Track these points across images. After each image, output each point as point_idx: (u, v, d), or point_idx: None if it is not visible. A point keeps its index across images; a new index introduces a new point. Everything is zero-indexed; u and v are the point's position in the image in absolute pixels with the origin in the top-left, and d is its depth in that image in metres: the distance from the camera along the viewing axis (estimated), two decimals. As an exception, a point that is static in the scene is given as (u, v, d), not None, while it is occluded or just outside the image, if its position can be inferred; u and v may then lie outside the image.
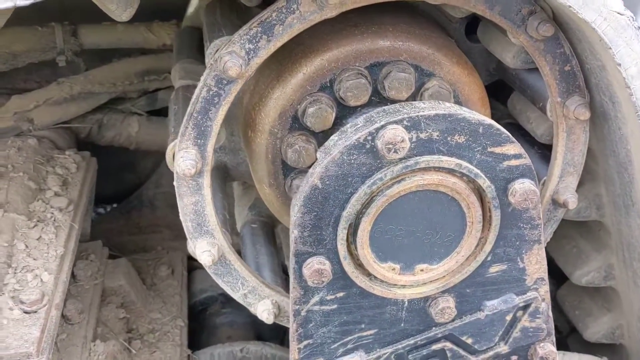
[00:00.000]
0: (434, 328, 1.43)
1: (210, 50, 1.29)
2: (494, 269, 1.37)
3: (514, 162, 1.23)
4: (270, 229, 1.91)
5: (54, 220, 1.74)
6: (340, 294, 1.33)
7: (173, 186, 2.68)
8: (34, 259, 1.59)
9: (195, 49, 1.87)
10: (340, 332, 1.39)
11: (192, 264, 2.73)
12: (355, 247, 1.27)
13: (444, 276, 1.35)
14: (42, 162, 1.95)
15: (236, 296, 1.57)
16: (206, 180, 1.40)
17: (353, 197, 1.21)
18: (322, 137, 1.49)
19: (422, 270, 1.33)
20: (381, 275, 1.31)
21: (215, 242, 1.48)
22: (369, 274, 1.32)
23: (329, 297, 1.33)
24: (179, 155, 1.34)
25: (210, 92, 1.30)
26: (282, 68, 1.47)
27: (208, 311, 2.66)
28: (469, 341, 1.46)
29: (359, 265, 1.31)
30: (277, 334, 2.77)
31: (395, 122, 1.15)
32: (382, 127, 1.15)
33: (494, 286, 1.39)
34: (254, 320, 2.66)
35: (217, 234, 1.48)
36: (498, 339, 1.47)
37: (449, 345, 1.46)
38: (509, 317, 1.44)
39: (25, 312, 1.43)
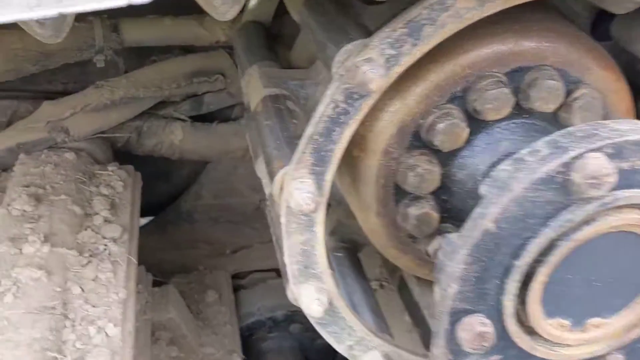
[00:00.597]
0: (596, 391, 1.19)
1: (339, 57, 1.02)
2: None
3: None
4: (356, 257, 1.65)
5: (109, 253, 1.46)
6: (496, 358, 1.08)
7: (215, 197, 2.43)
8: (93, 306, 1.31)
9: (264, 48, 1.59)
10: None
11: (235, 284, 2.47)
12: (524, 302, 1.02)
13: (620, 331, 1.10)
14: (84, 181, 1.67)
15: (340, 348, 1.31)
16: (320, 216, 1.13)
17: (531, 243, 0.95)
18: (445, 157, 1.24)
19: (594, 325, 1.08)
20: (547, 333, 1.06)
21: (324, 287, 1.22)
22: (531, 333, 1.07)
23: (480, 361, 1.08)
24: (293, 187, 1.07)
25: (337, 110, 1.03)
26: (403, 75, 1.20)
27: (254, 336, 2.41)
28: (633, 402, 1.22)
29: (522, 323, 1.05)
30: (326, 357, 2.54)
31: (596, 150, 0.90)
32: (580, 155, 0.89)
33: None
34: (301, 344, 2.42)
35: (326, 276, 1.22)
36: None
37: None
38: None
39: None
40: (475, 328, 1.00)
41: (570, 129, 0.97)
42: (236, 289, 2.40)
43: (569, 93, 1.21)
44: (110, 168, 1.78)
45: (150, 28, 1.84)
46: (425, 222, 1.27)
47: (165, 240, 2.41)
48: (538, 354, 1.09)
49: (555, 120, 1.24)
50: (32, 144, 1.76)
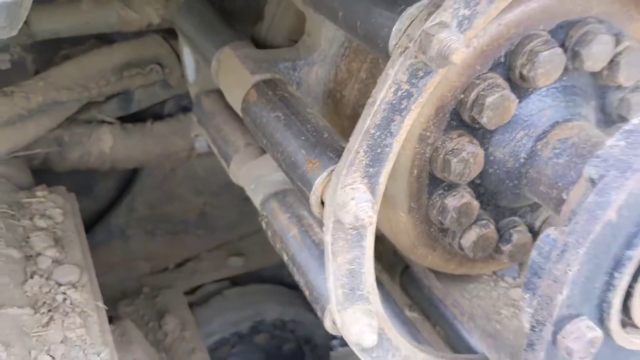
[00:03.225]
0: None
1: (400, 24, 0.80)
2: None
3: None
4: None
5: (71, 303, 1.16)
6: None
7: (151, 208, 2.12)
8: None
9: (226, 26, 1.32)
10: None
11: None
12: (629, 297, 0.88)
13: None
14: (12, 215, 1.32)
15: (383, 365, 1.11)
16: (371, 228, 0.92)
17: (647, 228, 0.81)
18: (484, 135, 1.07)
19: (683, 307, 0.97)
20: (644, 323, 0.93)
21: (371, 309, 1.01)
22: (626, 325, 0.94)
23: (575, 368, 0.93)
24: (347, 197, 0.84)
25: (399, 93, 0.81)
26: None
27: (216, 354, 2.16)
28: None
29: (623, 320, 0.91)
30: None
31: None
32: None
33: None
34: (267, 355, 2.22)
35: (374, 297, 1.01)
36: None
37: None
38: None
39: None
40: (585, 335, 0.85)
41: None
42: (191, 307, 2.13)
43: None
44: (39, 193, 1.43)
45: (64, 15, 1.48)
46: (466, 213, 1.09)
47: (96, 264, 2.07)
48: (632, 347, 0.96)
49: (595, 80, 1.11)
50: None
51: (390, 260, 1.55)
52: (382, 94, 0.80)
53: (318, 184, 0.90)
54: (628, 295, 0.89)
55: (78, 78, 1.56)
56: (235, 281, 2.25)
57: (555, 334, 0.87)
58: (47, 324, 1.10)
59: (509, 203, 1.18)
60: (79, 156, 1.70)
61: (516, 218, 1.23)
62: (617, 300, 0.87)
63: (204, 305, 2.15)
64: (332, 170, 0.89)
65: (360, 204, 0.85)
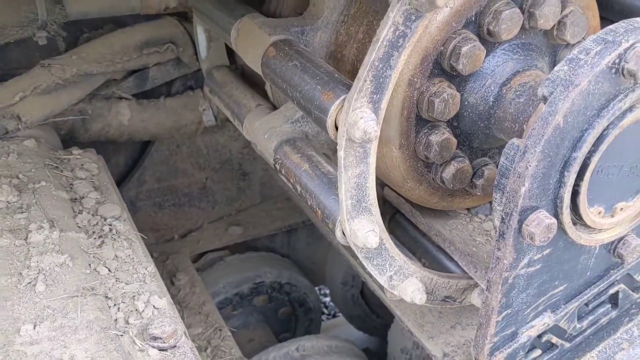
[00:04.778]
0: (612, 272, 1.34)
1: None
2: (673, 196, 1.30)
3: None
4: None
5: (117, 232, 1.36)
6: (547, 251, 1.19)
7: (159, 181, 2.32)
8: (127, 284, 1.23)
9: (240, 4, 1.55)
10: (536, 295, 1.24)
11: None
12: (577, 193, 1.13)
13: (638, 213, 1.25)
14: (55, 167, 1.52)
15: (382, 279, 1.34)
16: (374, 146, 1.16)
17: (589, 134, 1.06)
18: (460, 82, 1.32)
19: (620, 209, 1.23)
20: (590, 221, 1.18)
21: (374, 219, 1.24)
22: (576, 223, 1.19)
23: (536, 257, 1.18)
24: (357, 116, 1.08)
25: (397, 33, 1.06)
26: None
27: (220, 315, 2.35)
28: (638, 278, 1.40)
29: (573, 214, 1.16)
30: (288, 326, 2.57)
31: (640, 41, 1.02)
32: (632, 46, 1.01)
33: (666, 214, 1.33)
34: (265, 318, 2.43)
35: (375, 210, 1.24)
36: (658, 270, 1.43)
37: (622, 287, 1.38)
38: (670, 245, 1.40)
39: (162, 350, 1.09)
40: (544, 221, 1.09)
41: (611, 27, 1.08)
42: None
43: (561, 11, 1.34)
44: (74, 152, 1.63)
45: (94, -1, 1.71)
46: (446, 147, 1.34)
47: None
48: (582, 242, 1.21)
49: (547, 39, 1.37)
50: (-21, 136, 1.57)
51: (380, 209, 1.78)
52: (384, 33, 1.04)
53: (333, 110, 1.13)
54: (575, 194, 1.14)
55: (105, 53, 1.77)
56: (235, 250, 2.45)
57: (520, 222, 1.11)
58: (100, 246, 1.30)
59: (481, 144, 1.43)
60: (101, 127, 1.90)
61: (487, 158, 1.48)
62: (567, 195, 1.12)
63: (208, 270, 2.35)
64: (344, 99, 1.12)
65: (367, 122, 1.08)
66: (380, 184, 1.72)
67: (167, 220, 2.35)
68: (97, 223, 1.37)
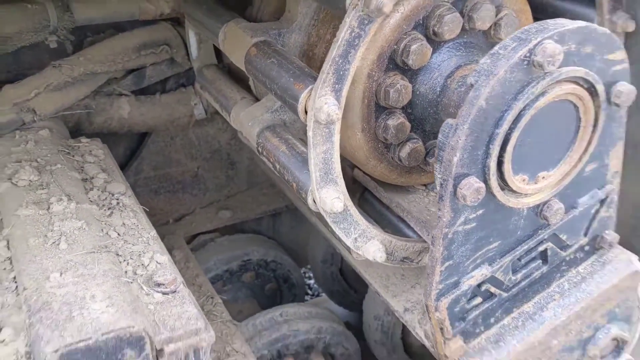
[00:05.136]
0: (541, 232, 1.60)
1: (351, -8, 1.30)
2: (589, 167, 1.56)
3: (618, 67, 1.42)
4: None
5: (123, 205, 1.61)
6: (480, 211, 1.44)
7: (155, 169, 2.56)
8: (133, 245, 1.47)
9: (226, 11, 1.80)
10: (473, 249, 1.50)
11: (185, 247, 2.62)
12: (501, 163, 1.38)
13: (558, 181, 1.52)
14: (68, 152, 1.76)
15: (348, 241, 1.60)
16: (338, 127, 1.41)
17: (508, 114, 1.32)
18: (412, 75, 1.58)
19: (542, 177, 1.49)
20: (515, 187, 1.44)
21: (339, 189, 1.50)
22: (504, 188, 1.45)
23: (471, 216, 1.43)
24: (322, 102, 1.33)
25: (353, 34, 1.31)
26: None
27: (212, 290, 2.59)
28: (564, 238, 1.65)
29: (499, 180, 1.42)
30: (274, 300, 2.80)
31: (549, 38, 1.28)
32: (540, 43, 1.27)
33: (586, 184, 1.59)
34: (253, 292, 2.66)
35: (340, 181, 1.50)
36: (582, 233, 1.69)
37: (550, 245, 1.64)
38: (593, 211, 1.66)
39: (165, 294, 1.34)
40: (473, 185, 1.35)
41: (524, 28, 1.34)
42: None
43: (496, 14, 1.60)
44: (83, 140, 1.88)
45: (99, 6, 1.95)
46: (401, 130, 1.59)
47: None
48: (510, 204, 1.47)
49: (486, 38, 1.63)
50: (1, 127, 1.80)
51: (350, 188, 2.03)
52: (342, 34, 1.29)
53: (302, 97, 1.38)
54: (500, 163, 1.40)
55: (108, 54, 2.01)
56: (224, 232, 2.70)
57: (454, 186, 1.36)
58: (110, 215, 1.54)
59: (432, 128, 1.68)
60: (104, 120, 2.14)
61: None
62: (493, 165, 1.37)
63: (200, 250, 2.60)
64: (311, 88, 1.38)
65: (330, 107, 1.33)
66: (350, 166, 1.98)
67: (163, 205, 2.59)
68: (106, 198, 1.61)
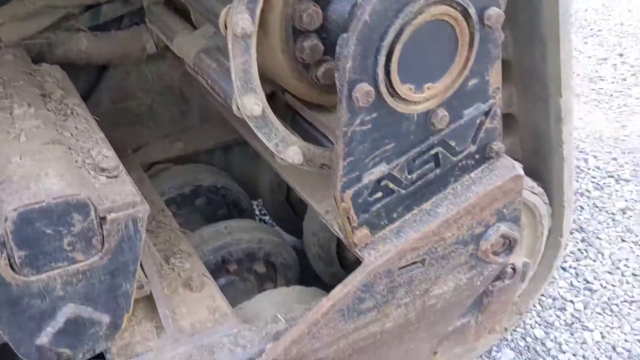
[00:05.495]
0: (431, 137, 1.90)
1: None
2: (471, 82, 1.86)
3: (489, -7, 1.71)
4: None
5: (77, 114, 1.87)
6: (375, 115, 1.73)
7: (113, 102, 2.82)
8: (84, 142, 1.74)
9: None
10: (371, 148, 1.79)
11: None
12: (389, 72, 1.67)
13: (442, 92, 1.81)
14: (30, 74, 2.01)
15: (271, 145, 1.88)
16: (254, 42, 1.69)
17: (390, 29, 1.60)
18: (324, 2, 1.85)
19: (428, 88, 1.78)
20: (403, 94, 1.73)
21: (259, 97, 1.78)
22: (393, 95, 1.74)
23: (367, 118, 1.73)
24: (237, 18, 1.61)
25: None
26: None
27: (166, 214, 2.86)
28: (453, 144, 1.96)
29: (388, 87, 1.71)
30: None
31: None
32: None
33: (470, 97, 1.89)
34: (206, 217, 2.94)
35: (259, 90, 1.78)
36: (470, 141, 1.99)
37: (441, 149, 1.94)
38: (478, 121, 1.96)
39: (109, 177, 1.62)
40: (364, 89, 1.64)
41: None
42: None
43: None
44: (44, 65, 2.13)
45: None
46: (315, 50, 1.87)
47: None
48: (399, 110, 1.77)
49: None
50: (-32, 52, 2.05)
51: (283, 112, 2.32)
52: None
53: (223, 14, 1.65)
54: (388, 72, 1.69)
55: (68, -11, 2.26)
56: (178, 162, 2.97)
57: (349, 90, 1.65)
58: (65, 120, 1.81)
59: (345, 51, 1.96)
60: (63, 52, 2.39)
61: (352, 63, 2.02)
62: (381, 73, 1.66)
63: (155, 177, 2.87)
64: (230, 7, 1.65)
65: (245, 22, 1.61)
66: (282, 91, 2.26)
67: (121, 137, 2.83)
68: (62, 108, 1.88)
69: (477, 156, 2.04)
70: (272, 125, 1.85)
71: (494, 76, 1.90)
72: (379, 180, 1.87)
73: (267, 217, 3.86)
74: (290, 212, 3.21)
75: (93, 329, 1.68)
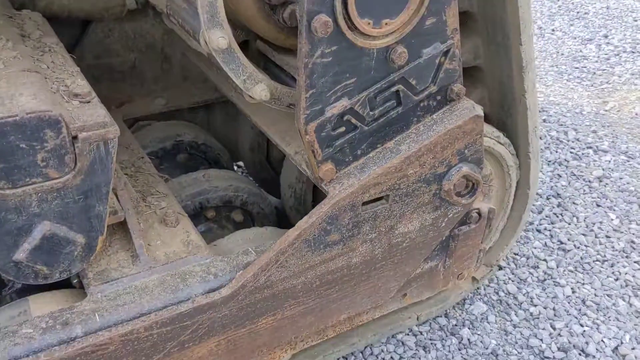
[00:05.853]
0: (391, 74, 2.00)
1: None
2: (429, 21, 1.96)
3: None
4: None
5: (55, 51, 1.97)
6: (334, 48, 1.83)
7: (96, 58, 2.91)
8: (60, 74, 1.84)
9: None
10: (333, 82, 1.89)
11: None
12: (346, 5, 1.77)
13: (400, 28, 1.91)
14: (10, 17, 2.11)
15: (239, 81, 1.98)
16: (216, -24, 1.79)
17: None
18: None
19: (386, 23, 1.88)
20: (362, 28, 1.83)
21: (225, 32, 1.88)
22: (352, 29, 1.84)
23: (327, 51, 1.82)
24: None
25: None
26: None
27: (148, 168, 2.96)
28: (414, 83, 2.06)
29: (347, 21, 1.81)
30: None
31: None
32: None
33: (428, 36, 1.99)
34: (185, 172, 3.03)
35: (226, 26, 1.88)
36: (430, 80, 2.09)
37: (401, 87, 2.04)
38: (437, 61, 2.06)
39: (82, 102, 1.72)
40: (322, 19, 1.74)
41: None
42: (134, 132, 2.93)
43: None
44: (24, 11, 2.23)
45: None
46: (281, -9, 1.97)
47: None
48: (359, 44, 1.87)
49: None
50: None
51: (255, 58, 2.41)
52: None
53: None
54: (345, 5, 1.79)
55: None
56: (161, 119, 3.07)
57: (309, 21, 1.75)
58: (42, 55, 1.91)
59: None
60: (45, 4, 2.49)
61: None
62: (339, 5, 1.76)
63: (137, 132, 2.97)
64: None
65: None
66: (254, 39, 2.36)
67: (105, 92, 2.92)
68: (40, 46, 1.98)
69: (438, 97, 2.14)
70: (239, 61, 1.95)
71: (451, 17, 2.00)
72: (341, 115, 1.97)
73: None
74: (270, 172, 3.31)
75: (68, 248, 1.78)
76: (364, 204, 2.13)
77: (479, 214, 2.50)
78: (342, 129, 2.00)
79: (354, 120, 2.00)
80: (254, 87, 2.00)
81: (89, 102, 1.72)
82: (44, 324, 1.78)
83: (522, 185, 2.87)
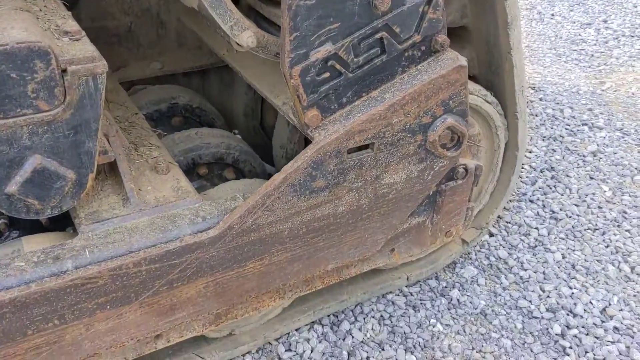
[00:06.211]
0: (375, 20, 2.04)
1: None
2: (411, -32, 2.01)
3: None
4: None
5: (46, 6, 2.03)
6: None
7: (92, 20, 2.97)
8: (51, 16, 1.90)
9: None
10: (317, 26, 1.94)
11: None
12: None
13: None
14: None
15: (226, 27, 2.03)
16: None
17: None
18: None
19: (368, -32, 1.93)
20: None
21: (210, -25, 1.94)
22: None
23: (307, -7, 1.87)
24: None
25: None
26: None
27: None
28: (397, 30, 2.10)
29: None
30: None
31: None
32: None
33: (411, -16, 2.04)
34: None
35: (213, -32, 1.93)
36: (414, 29, 2.14)
37: (385, 34, 2.09)
38: (420, 10, 2.10)
39: (72, 39, 1.78)
40: (305, -39, 1.79)
41: None
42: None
43: None
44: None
45: None
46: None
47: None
48: (342, -13, 1.92)
49: None
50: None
51: (247, 15, 2.46)
52: None
53: None
54: (329, -52, 1.84)
55: None
56: (156, 83, 3.13)
57: (292, -37, 1.81)
58: (35, 0, 1.98)
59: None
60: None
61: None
62: (321, -53, 1.82)
63: (133, 95, 3.03)
64: None
65: None
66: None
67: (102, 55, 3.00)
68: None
69: (422, 48, 2.18)
70: (226, 7, 2.00)
71: (432, -36, 2.05)
72: (326, 60, 2.01)
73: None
74: (264, 137, 3.37)
75: (59, 183, 1.83)
76: (350, 151, 2.18)
77: (466, 169, 2.54)
78: (327, 74, 2.04)
79: (338, 66, 2.05)
80: (241, 33, 2.05)
81: (78, 39, 1.77)
82: (36, 258, 1.84)
83: (510, 146, 2.91)
